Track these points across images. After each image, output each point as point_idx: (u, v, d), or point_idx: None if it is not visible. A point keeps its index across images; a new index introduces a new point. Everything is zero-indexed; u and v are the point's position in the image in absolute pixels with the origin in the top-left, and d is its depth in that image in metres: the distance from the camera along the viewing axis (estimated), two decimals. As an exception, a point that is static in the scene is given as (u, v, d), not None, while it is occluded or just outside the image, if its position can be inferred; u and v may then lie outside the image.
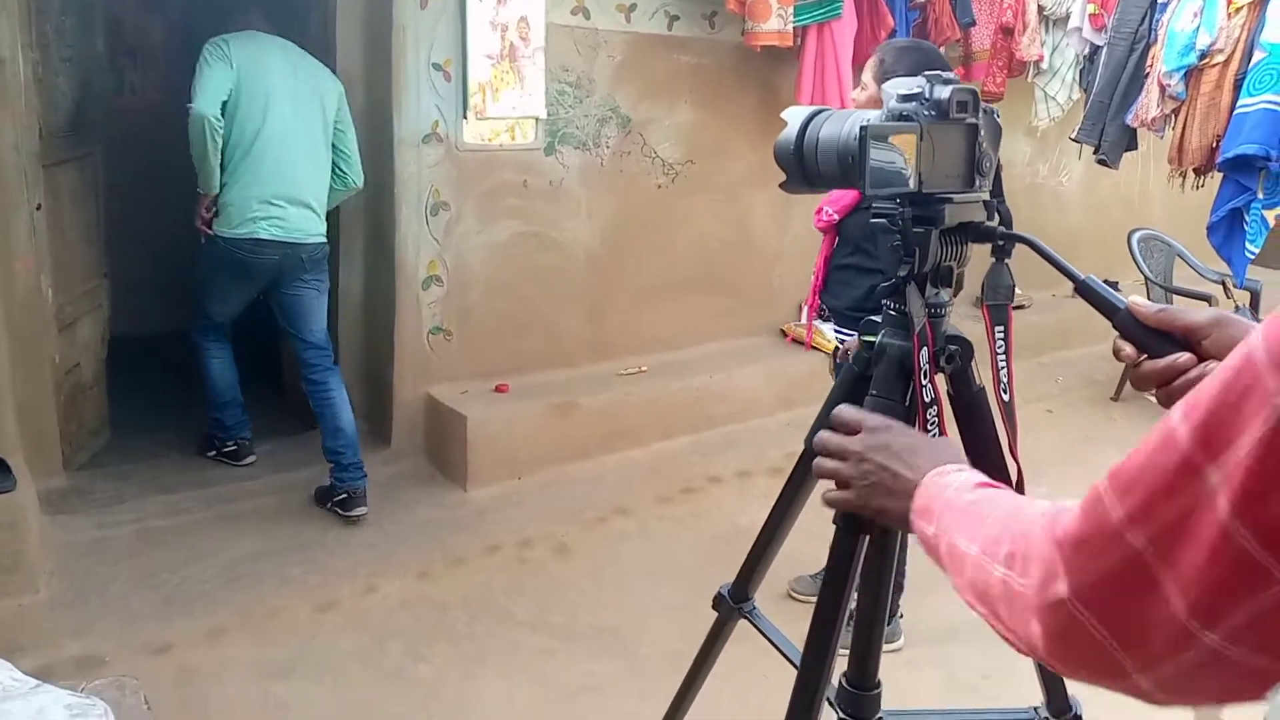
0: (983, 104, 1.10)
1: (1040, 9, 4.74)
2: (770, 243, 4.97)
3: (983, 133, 1.09)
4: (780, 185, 1.22)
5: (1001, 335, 1.15)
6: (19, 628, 2.77)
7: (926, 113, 1.05)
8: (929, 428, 1.10)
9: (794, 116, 1.17)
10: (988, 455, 1.18)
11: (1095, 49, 4.68)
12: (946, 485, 0.87)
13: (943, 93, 1.05)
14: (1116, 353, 0.95)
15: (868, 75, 2.66)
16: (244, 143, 3.31)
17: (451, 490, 3.82)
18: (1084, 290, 1.02)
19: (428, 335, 4.00)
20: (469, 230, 4.02)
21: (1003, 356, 1.15)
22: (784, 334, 5.01)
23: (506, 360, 4.16)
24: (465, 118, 3.91)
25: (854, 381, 1.23)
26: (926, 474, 0.90)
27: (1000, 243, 1.13)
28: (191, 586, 3.07)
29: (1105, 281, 1.01)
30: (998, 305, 1.15)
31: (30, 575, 2.92)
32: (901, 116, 1.05)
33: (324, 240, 3.53)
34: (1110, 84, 4.52)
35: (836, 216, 2.73)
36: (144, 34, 5.54)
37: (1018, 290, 1.18)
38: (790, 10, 4.25)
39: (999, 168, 1.13)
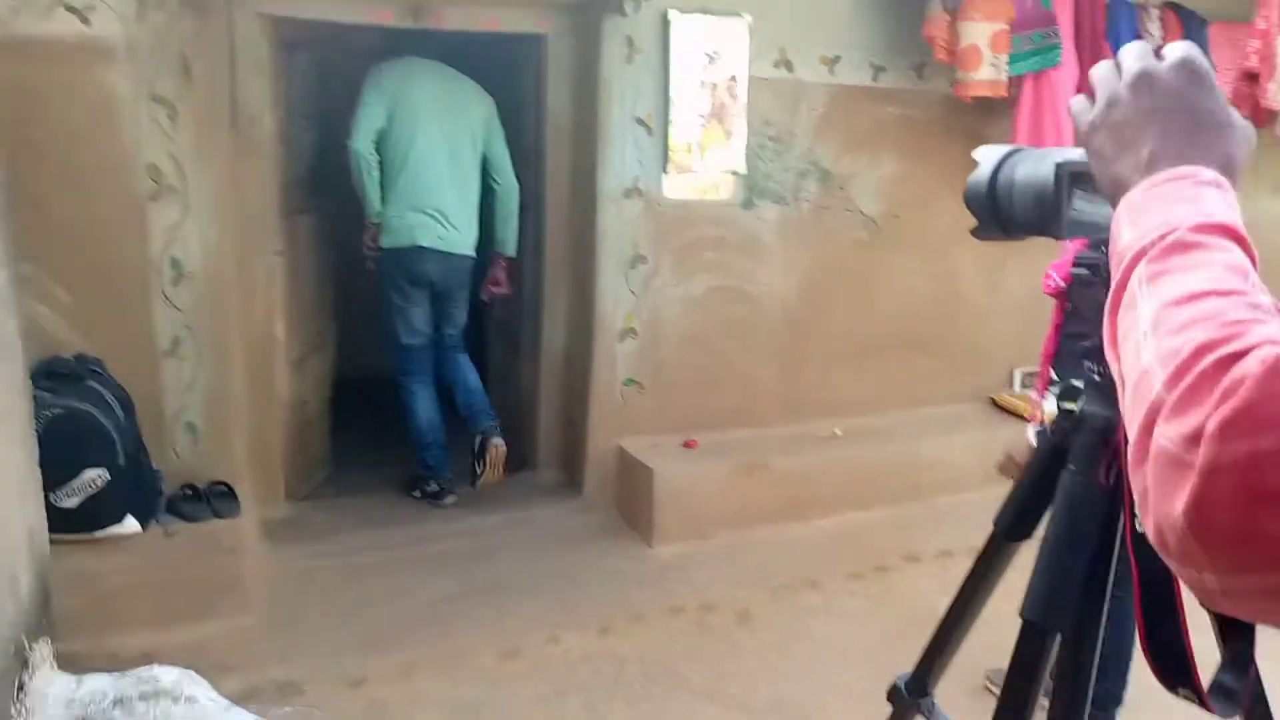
0: None
1: (1295, 52, 4.29)
2: (979, 302, 4.70)
3: None
4: (972, 232, 1.10)
5: None
6: (230, 648, 2.93)
7: None
8: (1138, 512, 0.94)
9: (987, 156, 1.05)
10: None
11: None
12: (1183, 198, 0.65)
13: None
14: None
15: None
16: (397, 162, 3.70)
17: (638, 544, 3.78)
18: None
19: (621, 387, 4.02)
20: (665, 283, 4.03)
21: None
22: (994, 403, 4.70)
23: (697, 415, 4.11)
24: (666, 172, 3.95)
25: (1050, 454, 1.08)
26: (1193, 169, 0.67)
27: None
28: (389, 622, 3.16)
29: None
30: None
31: (245, 599, 3.09)
32: None
33: (473, 255, 3.92)
34: (1383, 133, 4.01)
35: (1063, 283, 2.50)
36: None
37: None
38: (1005, 59, 4.05)
39: None
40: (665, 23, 3.84)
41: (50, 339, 2.96)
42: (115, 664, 2.79)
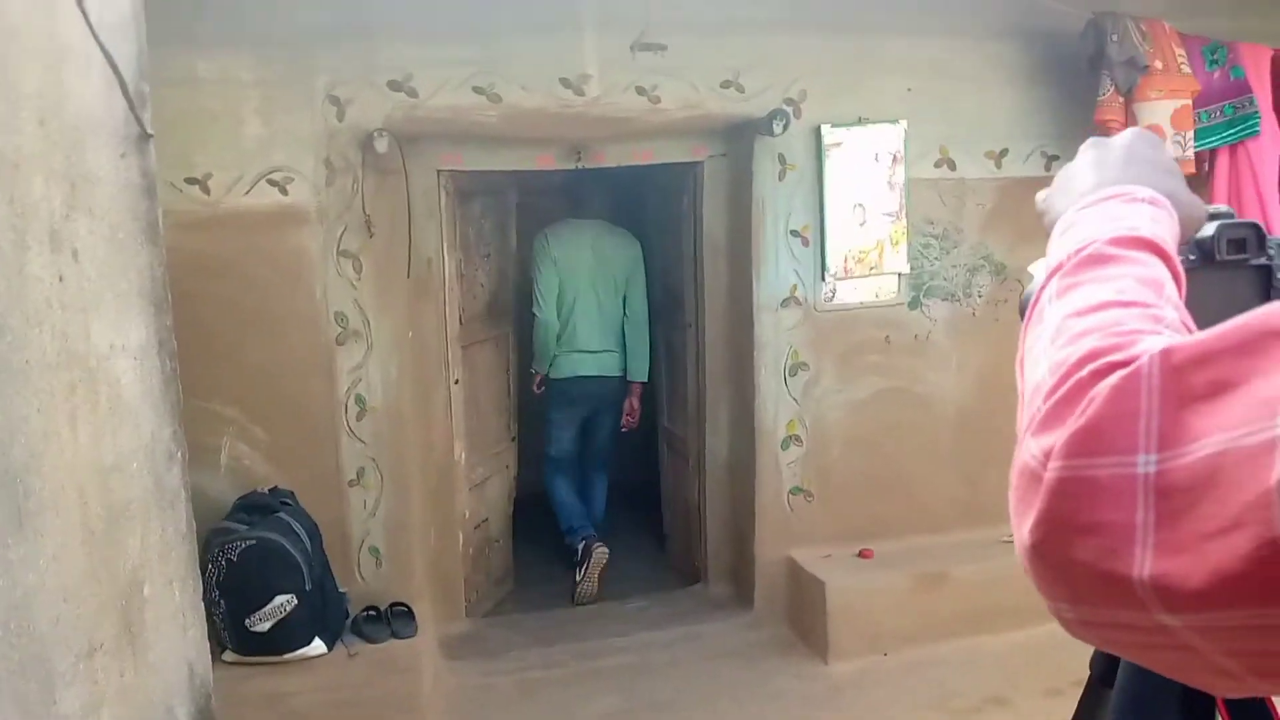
0: (1278, 239, 0.85)
1: None
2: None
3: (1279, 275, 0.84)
4: None
5: None
6: (407, 764, 3.08)
7: (1185, 257, 0.83)
8: None
9: (1037, 270, 0.99)
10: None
11: None
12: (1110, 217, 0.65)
13: (1208, 229, 0.81)
14: None
15: None
16: (564, 315, 4.38)
17: (810, 661, 3.66)
18: None
19: (788, 495, 3.96)
20: (828, 389, 3.98)
21: None
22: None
23: (869, 523, 3.97)
24: (823, 280, 3.94)
25: None
26: (1129, 189, 0.68)
27: None
28: (554, 740, 3.22)
29: None
30: None
31: (421, 716, 3.25)
32: None
33: (620, 375, 4.50)
34: None
35: None
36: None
37: None
38: (1190, 135, 3.78)
39: None
40: (818, 137, 3.89)
41: (249, 474, 3.32)
42: (304, 777, 3.01)
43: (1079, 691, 3.39)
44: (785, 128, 3.74)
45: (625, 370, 4.53)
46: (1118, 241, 0.62)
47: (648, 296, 4.57)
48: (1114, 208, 0.66)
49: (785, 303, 3.93)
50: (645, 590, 4.31)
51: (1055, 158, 4.10)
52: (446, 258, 3.77)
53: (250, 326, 3.36)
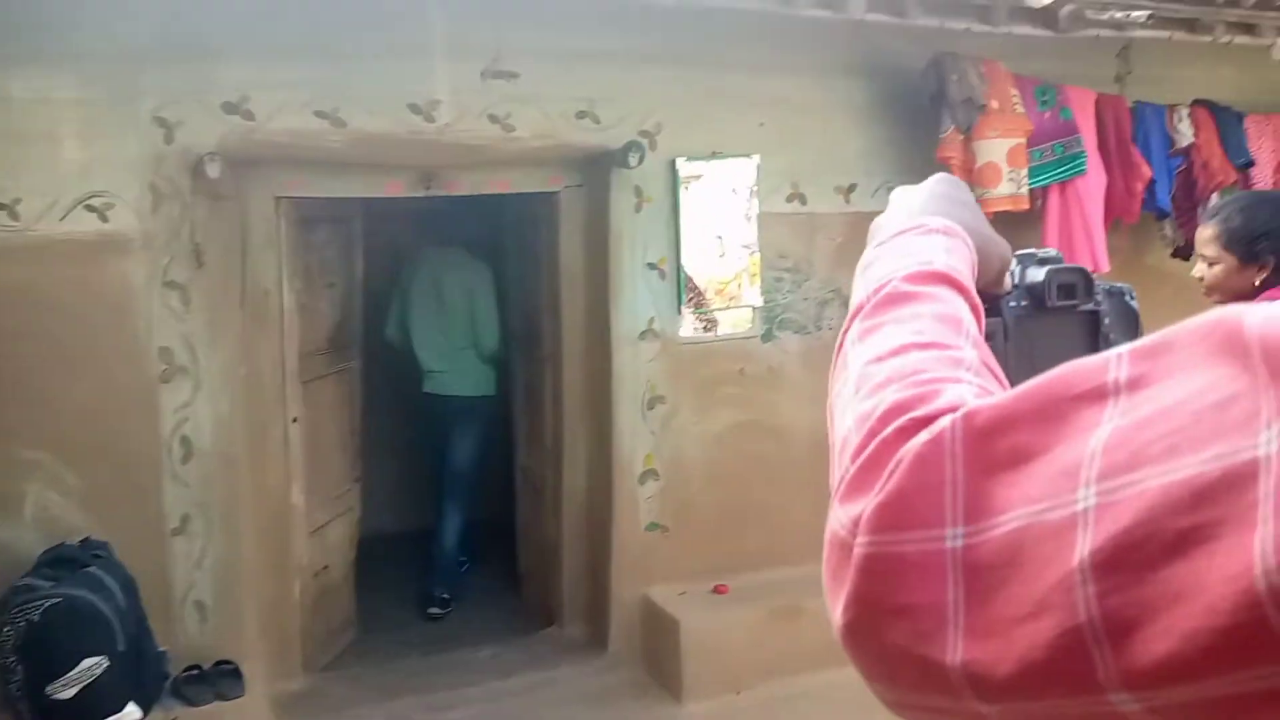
0: (1106, 285, 0.84)
1: (1339, 140, 4.10)
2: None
3: (1107, 321, 0.82)
4: None
5: None
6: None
7: (1014, 303, 0.80)
8: None
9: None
10: None
11: None
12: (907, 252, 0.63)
13: (1037, 275, 0.80)
14: None
15: (1214, 247, 2.32)
16: (412, 334, 4.52)
17: (666, 703, 3.59)
18: None
19: (645, 531, 3.90)
20: (686, 422, 3.95)
21: None
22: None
23: (727, 557, 3.94)
24: (680, 312, 3.92)
25: None
26: (921, 221, 0.66)
27: None
28: (396, 801, 3.02)
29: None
30: None
31: (250, 783, 3.00)
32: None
33: (469, 395, 4.52)
34: None
35: None
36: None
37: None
38: (1024, 173, 3.96)
39: None
40: (673, 170, 3.89)
41: (59, 524, 3.03)
42: None
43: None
44: (641, 160, 3.72)
45: (474, 391, 4.55)
46: (913, 278, 0.59)
47: (508, 326, 4.53)
48: (909, 242, 0.64)
49: (643, 335, 3.89)
50: (499, 636, 4.15)
51: (901, 194, 4.22)
52: (285, 288, 3.57)
53: (64, 363, 3.07)
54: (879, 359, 0.54)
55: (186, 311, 3.24)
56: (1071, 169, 4.09)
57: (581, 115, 3.73)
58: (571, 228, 4.02)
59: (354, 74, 3.41)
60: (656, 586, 3.85)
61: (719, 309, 3.97)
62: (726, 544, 3.96)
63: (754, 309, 4.03)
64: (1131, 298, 0.85)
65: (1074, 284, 0.80)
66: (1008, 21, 3.75)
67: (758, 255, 4.00)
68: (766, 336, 4.07)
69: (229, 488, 3.28)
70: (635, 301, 3.88)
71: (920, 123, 4.05)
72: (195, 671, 3.11)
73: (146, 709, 2.91)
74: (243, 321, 3.39)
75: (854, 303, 0.62)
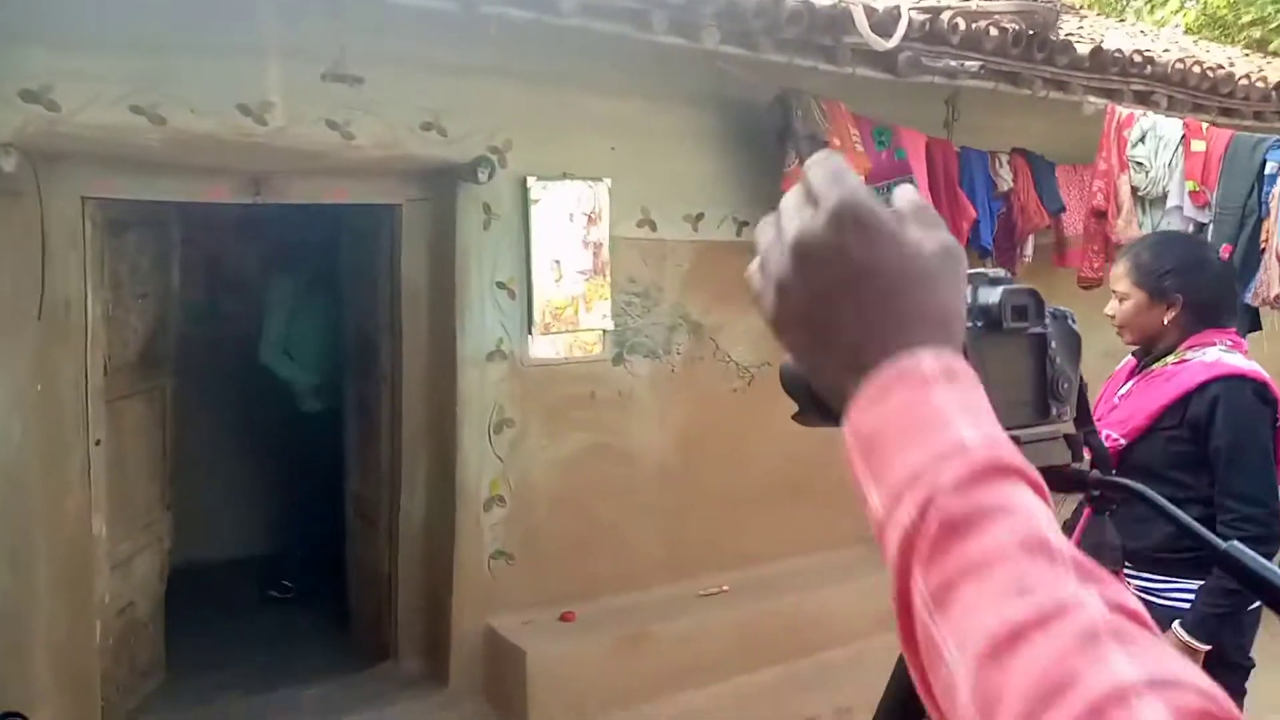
0: (1052, 307, 0.82)
1: (1134, 190, 4.47)
2: (860, 445, 4.62)
3: (1054, 344, 0.80)
4: (793, 417, 0.92)
5: None
6: None
7: (969, 323, 0.77)
8: None
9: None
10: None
11: (1200, 226, 4.36)
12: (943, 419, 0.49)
13: (991, 295, 0.78)
14: None
15: (1125, 283, 2.34)
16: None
17: (510, 738, 3.44)
18: (1226, 563, 0.73)
19: (489, 561, 3.75)
20: (535, 446, 3.84)
21: None
22: (882, 545, 4.56)
23: (574, 584, 3.85)
24: (530, 334, 3.82)
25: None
26: (909, 361, 0.51)
27: (1096, 492, 0.82)
28: None
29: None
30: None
31: None
32: None
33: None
34: (1222, 262, 4.15)
35: (1124, 441, 2.30)
36: (241, 265, 5.77)
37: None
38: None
39: (1084, 388, 0.84)
40: (524, 189, 3.80)
41: None
42: None
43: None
44: (490, 176, 3.61)
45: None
46: (964, 485, 0.47)
47: (340, 344, 4.36)
48: (916, 407, 0.50)
49: (491, 356, 3.76)
50: (325, 673, 3.88)
51: (745, 224, 4.30)
52: (90, 298, 3.22)
53: None
54: (994, 655, 0.42)
55: (-28, 321, 2.86)
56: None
57: (427, 127, 3.58)
58: (415, 243, 3.85)
59: (177, 69, 3.13)
60: (501, 616, 3.71)
61: (564, 332, 3.90)
62: (574, 570, 3.87)
63: (604, 332, 3.98)
64: (1073, 321, 0.84)
65: (1026, 306, 0.79)
66: (851, 62, 3.89)
67: (601, 279, 3.96)
68: (616, 360, 4.02)
69: (20, 518, 2.91)
70: (483, 322, 3.75)
71: (766, 155, 4.14)
72: (-28, 729, 2.72)
73: (-91, 776, 2.52)
74: (40, 334, 3.03)
75: (877, 506, 0.50)
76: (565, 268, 3.88)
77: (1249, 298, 4.07)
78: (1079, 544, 0.83)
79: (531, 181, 3.78)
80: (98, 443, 3.26)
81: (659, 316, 4.14)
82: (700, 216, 4.20)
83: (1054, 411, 0.81)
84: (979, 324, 0.77)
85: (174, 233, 3.87)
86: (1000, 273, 0.80)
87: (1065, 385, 0.80)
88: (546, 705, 3.46)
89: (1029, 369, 0.80)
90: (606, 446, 4.00)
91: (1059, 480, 0.83)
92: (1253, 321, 4.19)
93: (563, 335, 3.88)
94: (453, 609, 3.68)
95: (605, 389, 3.99)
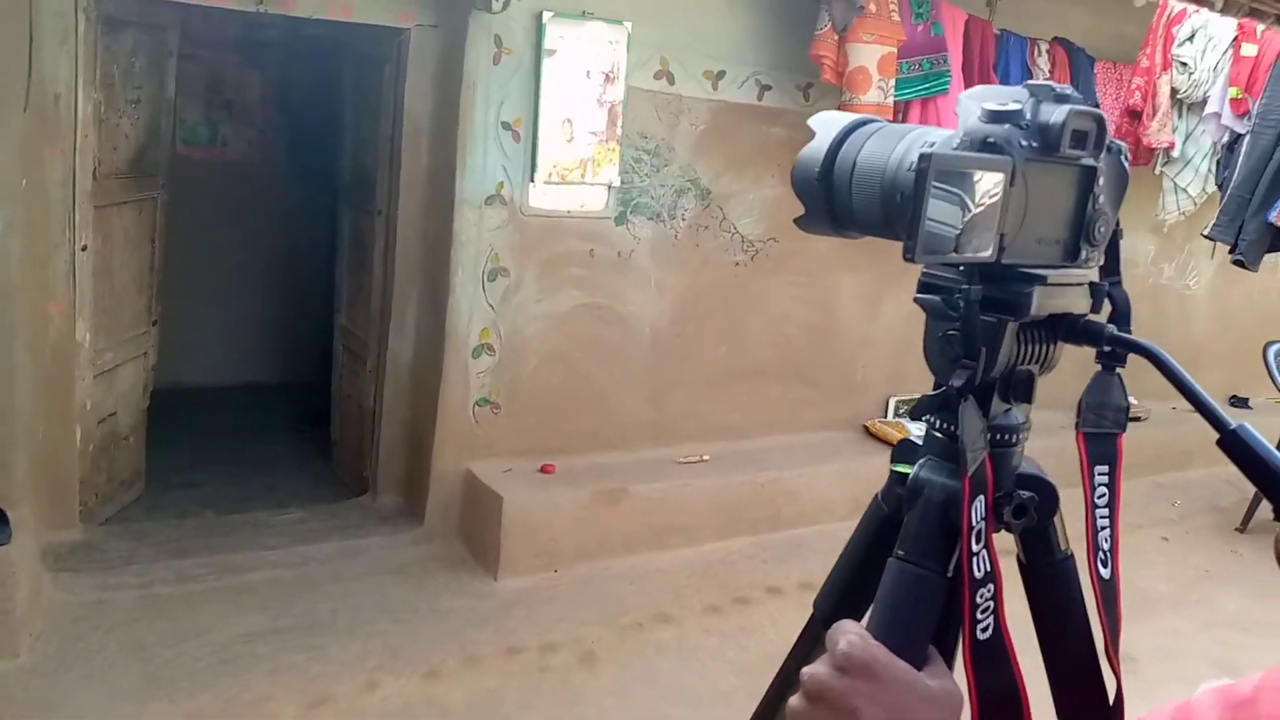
0: (1112, 141, 0.73)
1: (1173, 91, 4.30)
2: (856, 330, 4.58)
3: (1101, 180, 0.72)
4: (796, 221, 0.85)
5: (1105, 479, 0.77)
6: (-15, 697, 2.55)
7: (1024, 142, 0.68)
8: (980, 617, 0.72)
9: (826, 126, 0.79)
10: (1071, 655, 0.79)
11: (1236, 137, 4.21)
12: None
13: (1053, 114, 0.68)
14: None
15: None
16: None
17: (481, 578, 3.50)
18: (1231, 444, 0.67)
19: (474, 407, 3.74)
20: (528, 298, 3.78)
21: (1105, 512, 0.77)
22: (867, 430, 4.58)
23: (556, 439, 3.86)
24: (533, 180, 3.70)
25: (880, 528, 0.85)
26: None
27: (1109, 348, 0.76)
28: (180, 665, 2.81)
29: (1233, 399, 0.65)
30: (1102, 434, 0.77)
31: (13, 637, 2.71)
32: (986, 144, 0.68)
33: None
34: (1252, 177, 4.03)
35: None
36: (242, 89, 5.59)
37: (1133, 401, 0.80)
38: (891, 83, 3.94)
39: (1118, 234, 0.76)
40: (539, 24, 3.61)
41: None
42: None
43: (738, 608, 3.46)
44: (505, 5, 3.42)
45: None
46: None
47: (339, 173, 4.20)
48: None
49: (490, 200, 3.65)
50: (306, 501, 3.94)
51: (768, 88, 4.13)
52: (81, 95, 3.08)
53: None
54: None
55: (-45, 104, 2.74)
56: (936, 86, 4.10)
57: (441, -54, 3.38)
58: (420, 73, 3.68)
59: None
60: (481, 462, 3.72)
61: (571, 181, 3.78)
62: (557, 425, 3.87)
63: (609, 187, 3.86)
64: (1127, 159, 0.75)
65: (1088, 133, 0.70)
66: (898, -79, 3.66)
67: (612, 140, 3.81)
68: (620, 219, 3.92)
69: (2, 316, 2.85)
70: (484, 162, 3.62)
71: (795, 16, 3.94)
72: (-50, 515, 2.74)
73: (-114, 552, 2.54)
74: (26, 126, 2.91)
75: None
76: (577, 128, 3.73)
77: (1272, 217, 3.97)
78: (1083, 401, 0.78)
79: (547, 17, 3.59)
80: (84, 248, 3.18)
81: (667, 178, 4.01)
82: (721, 75, 4.03)
83: (1083, 255, 0.74)
84: (1032, 144, 0.68)
85: (171, 40, 3.69)
86: (1068, 89, 0.70)
87: (1102, 229, 0.73)
88: (518, 551, 3.51)
89: (1069, 205, 0.72)
90: (601, 307, 3.94)
91: (1071, 331, 0.77)
92: (1272, 242, 4.10)
93: (565, 187, 3.76)
94: (434, 450, 3.68)
95: (605, 247, 3.90)
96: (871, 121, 0.77)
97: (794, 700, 0.70)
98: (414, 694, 2.85)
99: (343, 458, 4.30)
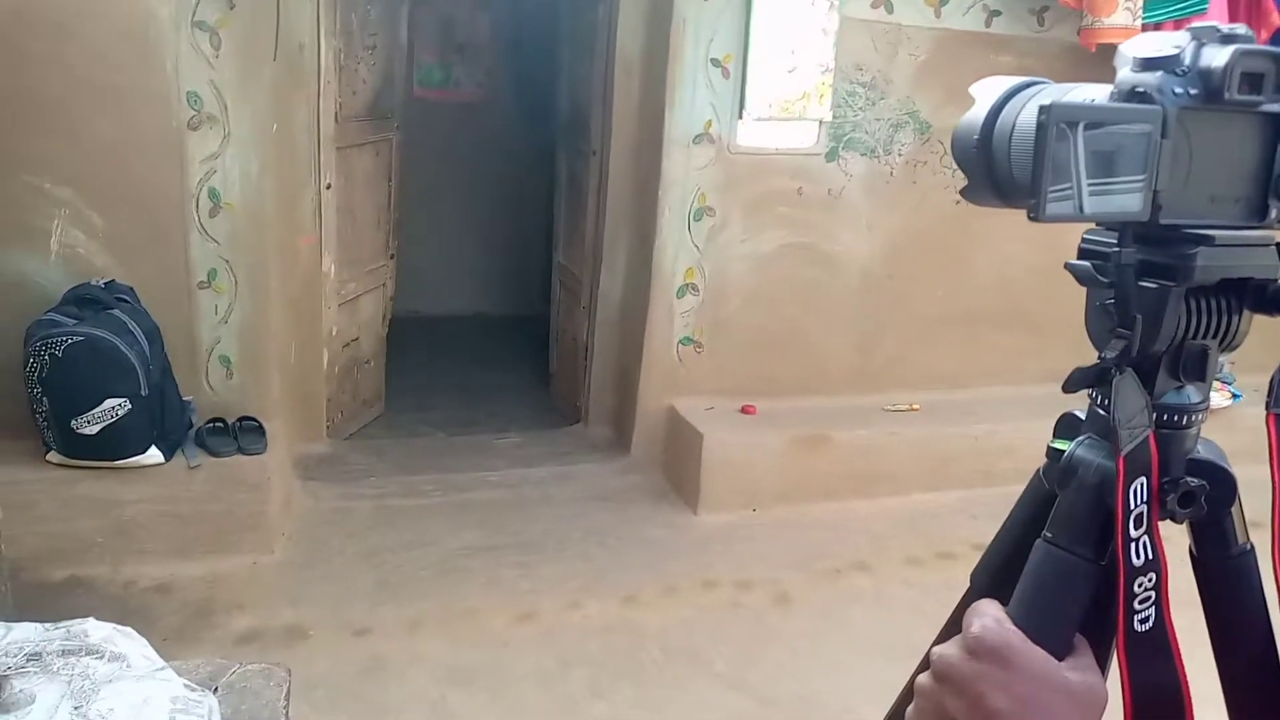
0: None
1: None
2: (1090, 275, 4.23)
3: None
4: (961, 192, 0.81)
5: None
6: (245, 586, 2.92)
7: (1179, 90, 0.61)
8: (1138, 607, 0.68)
9: (987, 92, 0.74)
10: (1248, 659, 0.72)
11: None
12: None
13: (1215, 57, 0.61)
14: None
15: None
16: None
17: (681, 511, 3.60)
18: None
19: (678, 345, 3.80)
20: (733, 238, 3.77)
21: None
22: (1096, 383, 4.26)
23: (758, 381, 3.86)
24: (741, 118, 3.66)
25: (1040, 506, 0.81)
26: None
27: None
28: (407, 571, 3.10)
29: None
30: None
31: (267, 536, 3.07)
32: (1135, 93, 0.62)
33: None
34: None
35: None
36: (472, 31, 5.84)
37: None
38: (1140, 3, 3.55)
39: None
40: (755, -47, 3.53)
41: (84, 264, 2.97)
42: (129, 592, 2.83)
43: (939, 563, 3.34)
44: (717, -62, 3.37)
45: None
46: None
47: (558, 114, 4.26)
48: None
49: (698, 139, 3.65)
50: (524, 427, 4.18)
51: (997, 13, 3.84)
52: (323, 44, 3.34)
53: (88, 98, 2.91)
54: None
55: (216, 56, 3.03)
56: (1192, 6, 3.65)
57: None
58: (632, 10, 3.70)
59: None
60: (683, 399, 3.79)
61: (781, 120, 3.69)
62: (760, 367, 3.87)
63: (820, 123, 3.75)
64: None
65: (1263, 74, 0.61)
66: None
67: (832, 62, 3.68)
68: (830, 155, 3.81)
69: (257, 247, 3.19)
70: (693, 100, 3.61)
71: (1036, -70, 3.62)
72: (219, 424, 3.13)
73: (169, 454, 2.94)
74: (275, 74, 3.20)
75: None
76: (801, 58, 3.62)
77: None
78: (1275, 378, 0.69)
79: (764, -53, 3.50)
80: (328, 186, 3.48)
81: (883, 111, 3.84)
82: (946, 1, 3.78)
83: (1274, 214, 0.65)
84: (1192, 92, 0.61)
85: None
86: (1239, 29, 0.62)
87: None
88: (717, 488, 3.57)
89: (1252, 157, 0.64)
90: (808, 247, 3.86)
91: (1258, 298, 0.68)
92: None
93: (775, 124, 3.69)
94: (640, 385, 3.79)
95: (814, 185, 3.81)
96: (1036, 84, 0.72)
97: (922, 678, 0.68)
98: (612, 616, 2.99)
99: (559, 388, 4.51)
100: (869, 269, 3.95)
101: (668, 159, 3.63)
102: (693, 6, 3.52)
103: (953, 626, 0.95)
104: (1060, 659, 0.66)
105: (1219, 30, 0.62)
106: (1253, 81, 0.61)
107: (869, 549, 3.46)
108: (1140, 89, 0.61)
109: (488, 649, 2.77)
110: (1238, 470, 0.73)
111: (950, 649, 0.67)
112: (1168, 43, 0.63)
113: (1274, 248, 0.67)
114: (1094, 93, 0.67)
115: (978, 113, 0.74)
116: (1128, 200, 0.60)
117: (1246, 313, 0.69)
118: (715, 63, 3.60)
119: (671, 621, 2.99)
